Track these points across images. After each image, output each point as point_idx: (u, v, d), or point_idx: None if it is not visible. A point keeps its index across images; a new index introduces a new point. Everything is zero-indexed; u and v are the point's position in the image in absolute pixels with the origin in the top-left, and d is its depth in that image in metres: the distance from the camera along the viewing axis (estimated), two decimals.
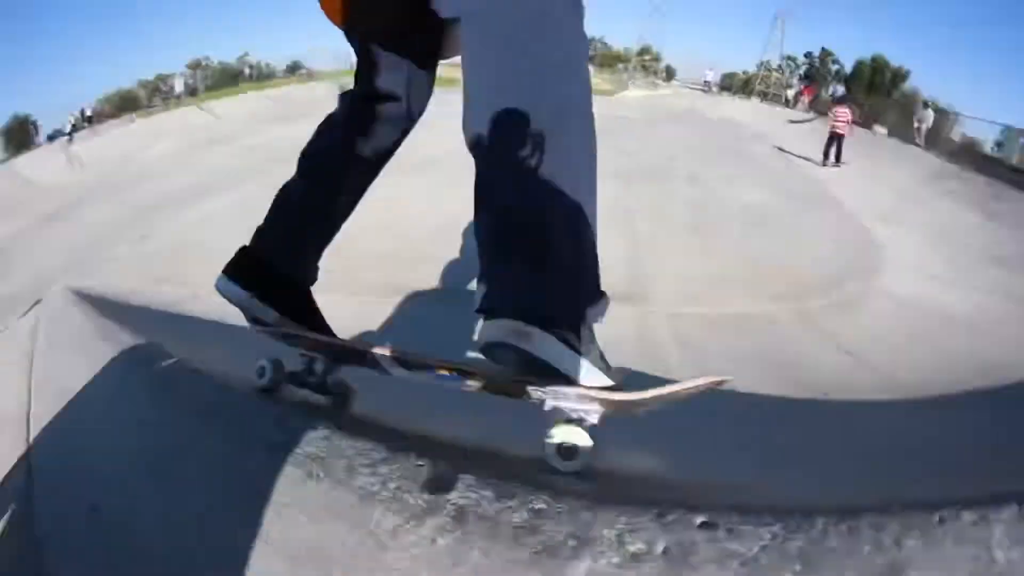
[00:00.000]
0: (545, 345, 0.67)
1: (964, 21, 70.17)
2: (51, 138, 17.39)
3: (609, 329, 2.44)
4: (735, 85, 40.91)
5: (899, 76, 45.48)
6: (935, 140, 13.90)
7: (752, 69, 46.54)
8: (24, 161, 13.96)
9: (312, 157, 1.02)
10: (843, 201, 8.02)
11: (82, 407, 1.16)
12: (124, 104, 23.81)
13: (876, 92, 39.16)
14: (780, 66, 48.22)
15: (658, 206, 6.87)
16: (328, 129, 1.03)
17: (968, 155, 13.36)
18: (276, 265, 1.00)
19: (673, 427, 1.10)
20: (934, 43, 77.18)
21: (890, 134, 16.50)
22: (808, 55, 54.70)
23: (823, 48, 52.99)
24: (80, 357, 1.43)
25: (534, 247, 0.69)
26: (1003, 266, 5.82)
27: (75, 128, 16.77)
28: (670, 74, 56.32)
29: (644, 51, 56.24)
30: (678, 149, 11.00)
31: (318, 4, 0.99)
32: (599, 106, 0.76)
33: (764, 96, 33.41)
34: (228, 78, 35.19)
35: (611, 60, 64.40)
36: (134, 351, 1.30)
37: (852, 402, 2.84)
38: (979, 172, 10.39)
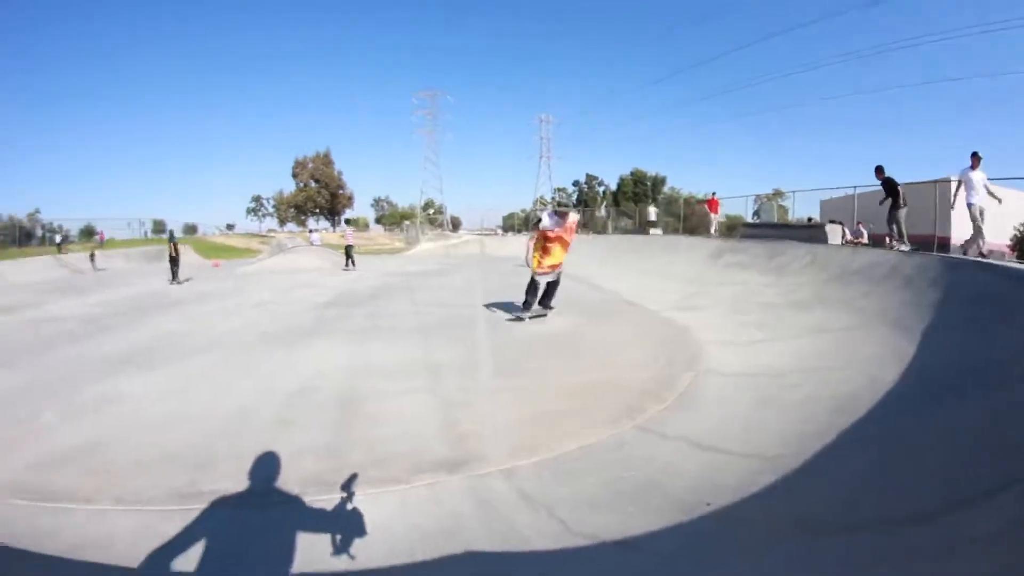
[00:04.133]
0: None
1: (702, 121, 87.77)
2: None
3: (445, 506, 2.68)
4: (516, 224, 42.54)
5: (658, 181, 54.21)
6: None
7: (529, 207, 50.40)
8: None
9: None
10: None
11: None
12: None
13: (643, 199, 45.31)
14: (554, 198, 53.55)
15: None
16: None
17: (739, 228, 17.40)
18: None
19: None
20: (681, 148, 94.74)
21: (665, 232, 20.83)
22: (576, 183, 61.26)
23: (587, 174, 60.76)
24: None
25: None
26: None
27: None
28: (456, 224, 57.81)
29: (428, 205, 58.04)
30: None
31: None
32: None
33: None
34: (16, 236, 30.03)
35: (397, 218, 63.89)
36: None
37: (741, 501, 2.63)
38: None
